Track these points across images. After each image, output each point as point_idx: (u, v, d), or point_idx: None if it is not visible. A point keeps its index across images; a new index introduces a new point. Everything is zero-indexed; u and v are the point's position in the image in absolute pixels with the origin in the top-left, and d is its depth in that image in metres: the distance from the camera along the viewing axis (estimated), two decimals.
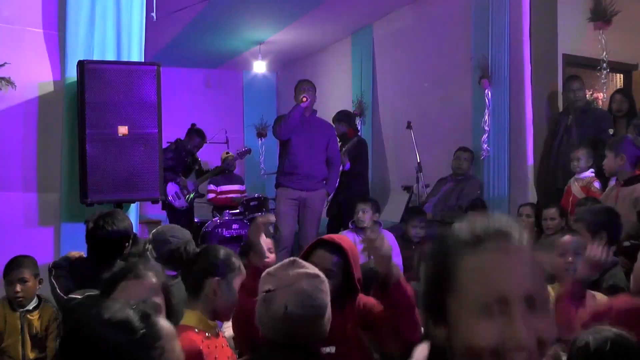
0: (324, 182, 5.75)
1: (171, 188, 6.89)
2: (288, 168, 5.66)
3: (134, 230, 3.41)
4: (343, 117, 6.96)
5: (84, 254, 3.19)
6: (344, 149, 6.49)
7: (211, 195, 7.82)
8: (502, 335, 0.81)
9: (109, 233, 2.97)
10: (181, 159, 7.03)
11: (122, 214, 3.23)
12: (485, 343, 0.82)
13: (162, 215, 7.05)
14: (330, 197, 6.28)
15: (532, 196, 5.50)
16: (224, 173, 7.83)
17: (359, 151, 6.65)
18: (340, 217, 6.22)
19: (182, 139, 7.13)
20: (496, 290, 0.83)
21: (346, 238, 2.28)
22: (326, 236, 2.26)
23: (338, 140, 6.71)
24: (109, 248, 2.98)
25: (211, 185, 7.82)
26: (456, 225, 0.92)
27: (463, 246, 0.88)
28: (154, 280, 1.74)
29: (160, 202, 6.84)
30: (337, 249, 2.20)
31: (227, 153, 7.86)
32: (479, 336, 0.82)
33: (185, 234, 3.00)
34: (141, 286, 1.71)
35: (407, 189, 6.58)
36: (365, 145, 6.92)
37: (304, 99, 5.58)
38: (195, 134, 7.23)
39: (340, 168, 6.25)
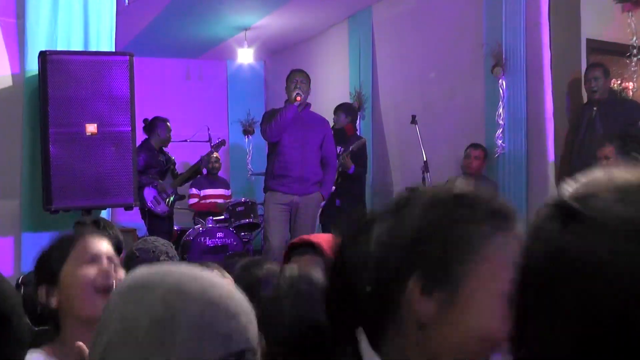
0: (319, 184, 5.72)
1: (148, 193, 6.85)
2: (278, 170, 5.62)
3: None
4: (348, 109, 6.96)
5: None
6: (348, 151, 6.47)
7: (193, 200, 7.78)
8: None
9: None
10: (154, 159, 6.98)
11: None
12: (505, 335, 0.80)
13: (137, 223, 7.02)
14: (324, 202, 6.28)
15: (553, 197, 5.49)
16: (208, 176, 7.80)
17: (360, 153, 6.67)
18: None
19: (147, 138, 7.03)
20: None
21: (326, 237, 2.18)
22: (297, 239, 2.20)
23: (334, 135, 6.71)
24: None
25: (193, 189, 7.78)
26: (476, 193, 0.92)
27: (492, 218, 0.89)
28: None
29: (140, 211, 6.91)
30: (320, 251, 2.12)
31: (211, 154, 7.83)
32: (501, 325, 0.81)
33: (159, 247, 2.95)
34: None
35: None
36: (365, 145, 6.94)
37: (298, 98, 5.53)
38: (157, 126, 7.05)
39: (336, 171, 6.23)
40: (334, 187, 6.31)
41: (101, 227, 2.87)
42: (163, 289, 0.89)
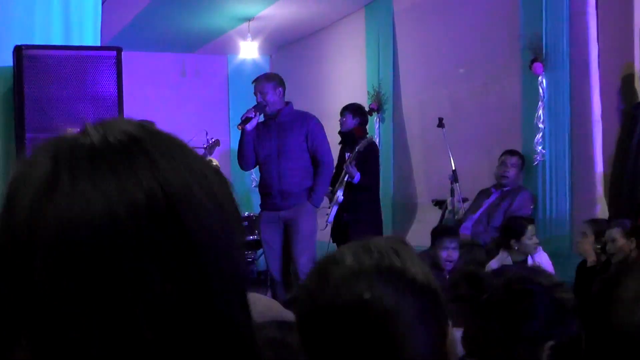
0: (309, 192, 5.67)
1: None
2: (260, 188, 5.83)
3: None
4: (356, 110, 6.94)
5: None
6: (353, 154, 6.42)
7: None
8: None
9: None
10: None
11: None
12: None
13: None
14: (331, 216, 6.28)
15: (602, 212, 5.45)
16: None
17: (366, 156, 6.54)
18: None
19: None
20: None
21: None
22: None
23: (341, 139, 6.69)
24: None
25: None
26: None
27: None
28: None
29: None
30: None
31: (210, 161, 7.80)
32: None
33: None
34: None
35: (439, 204, 6.55)
36: (376, 148, 6.83)
37: (239, 127, 5.63)
38: None
39: (333, 174, 6.18)
40: (342, 197, 6.28)
41: None
42: None
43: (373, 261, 1.14)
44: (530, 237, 4.86)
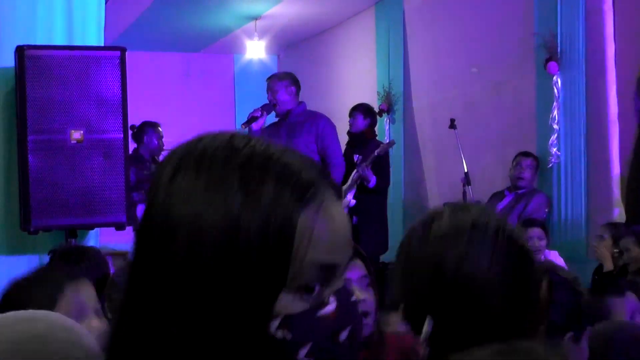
0: None
1: (143, 211, 6.86)
2: None
3: None
4: (367, 110, 6.93)
5: None
6: (371, 157, 6.39)
7: None
8: None
9: (85, 276, 2.95)
10: (147, 172, 6.98)
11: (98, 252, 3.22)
12: None
13: (129, 245, 7.02)
14: None
15: (621, 216, 5.43)
16: None
17: (381, 158, 6.53)
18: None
19: (137, 147, 7.04)
20: None
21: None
22: None
23: (350, 140, 6.67)
24: None
25: None
26: None
27: None
28: None
29: (134, 232, 6.87)
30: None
31: None
32: None
33: None
34: None
35: None
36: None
37: (243, 126, 5.64)
38: (146, 132, 7.05)
39: (355, 181, 6.17)
40: (354, 201, 6.26)
41: (72, 260, 2.91)
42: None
43: (469, 219, 1.27)
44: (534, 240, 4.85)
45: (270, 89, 5.67)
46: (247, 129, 5.61)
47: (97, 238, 4.43)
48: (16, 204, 4.06)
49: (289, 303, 0.82)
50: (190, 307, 0.80)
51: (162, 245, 0.82)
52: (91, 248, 3.36)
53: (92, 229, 4.33)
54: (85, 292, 1.95)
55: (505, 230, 1.27)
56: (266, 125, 5.71)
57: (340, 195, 0.88)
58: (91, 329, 1.85)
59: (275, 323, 0.82)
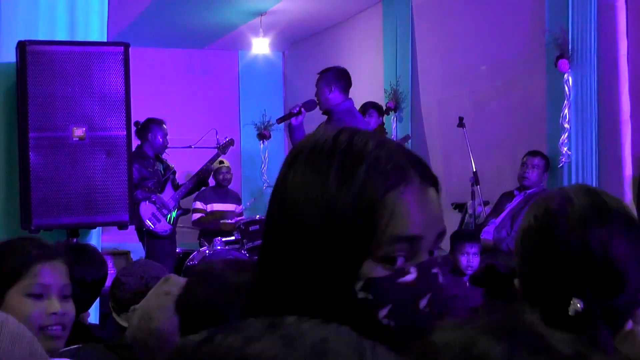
0: None
1: (145, 209, 6.85)
2: None
3: None
4: (381, 109, 6.92)
5: None
6: None
7: (197, 216, 7.77)
8: None
9: (83, 276, 2.93)
10: (150, 169, 6.97)
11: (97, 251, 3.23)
12: None
13: (132, 244, 7.03)
14: None
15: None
16: (216, 187, 7.79)
17: None
18: None
19: (140, 144, 7.02)
20: None
21: None
22: None
23: None
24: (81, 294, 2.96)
25: (198, 202, 7.77)
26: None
27: None
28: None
29: (136, 231, 6.92)
30: None
31: (221, 162, 7.82)
32: None
33: (150, 272, 2.93)
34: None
35: (459, 207, 6.56)
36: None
37: (278, 122, 5.77)
38: (150, 129, 7.02)
39: None
40: None
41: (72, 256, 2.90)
42: None
43: (588, 201, 1.47)
44: None
45: (316, 86, 5.63)
46: (288, 125, 5.61)
47: (98, 237, 4.41)
48: (16, 203, 4.06)
49: (372, 269, 0.98)
50: (294, 263, 1.00)
51: (280, 217, 1.03)
52: (90, 247, 3.35)
53: (94, 228, 4.33)
54: (55, 274, 1.97)
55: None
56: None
57: (431, 181, 1.03)
58: (49, 309, 1.92)
59: (359, 284, 0.98)
